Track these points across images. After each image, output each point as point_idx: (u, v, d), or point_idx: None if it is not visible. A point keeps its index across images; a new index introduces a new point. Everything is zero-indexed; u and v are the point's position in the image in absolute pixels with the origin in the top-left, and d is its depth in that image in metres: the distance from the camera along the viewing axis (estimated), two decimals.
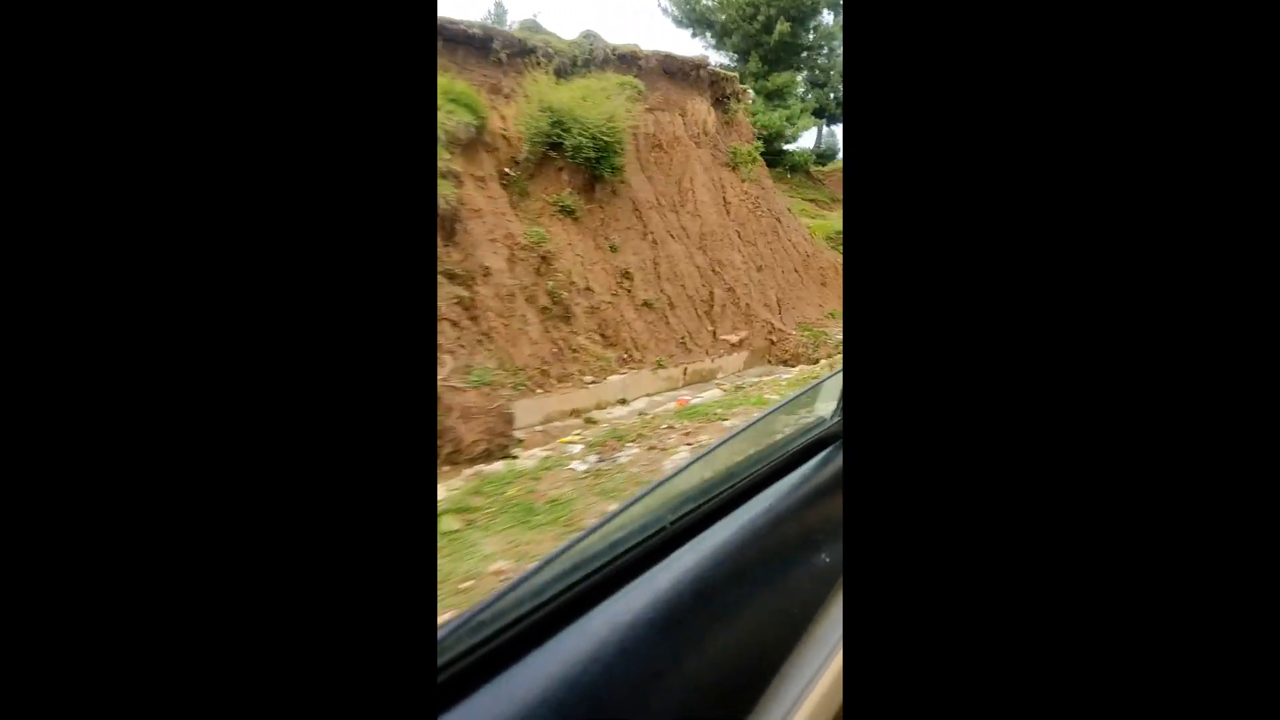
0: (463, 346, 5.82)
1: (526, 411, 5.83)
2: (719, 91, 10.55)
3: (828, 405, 1.17)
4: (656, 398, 7.01)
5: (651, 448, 4.76)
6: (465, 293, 6.22)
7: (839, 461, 1.08)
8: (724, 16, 19.46)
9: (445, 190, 6.23)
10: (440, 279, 5.98)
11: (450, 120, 6.67)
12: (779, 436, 1.13)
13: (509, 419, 5.15)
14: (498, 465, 4.48)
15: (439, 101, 6.50)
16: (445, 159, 6.44)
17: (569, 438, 5.29)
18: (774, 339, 8.86)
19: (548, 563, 0.71)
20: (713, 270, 8.99)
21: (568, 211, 7.79)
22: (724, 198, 9.82)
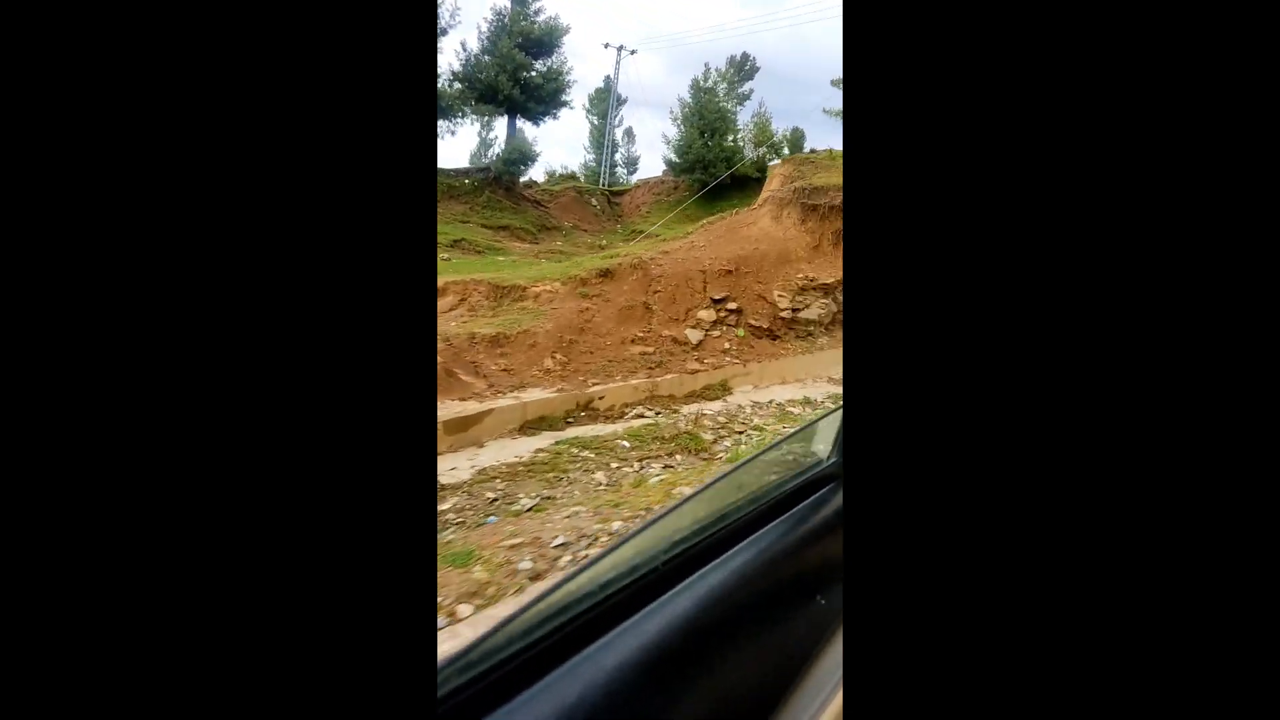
0: None
1: None
2: None
3: (823, 445, 1.16)
4: None
5: None
6: None
7: (835, 501, 1.07)
8: None
9: None
10: None
11: None
12: (773, 476, 1.11)
13: None
14: None
15: None
16: None
17: None
18: None
19: (536, 603, 0.69)
20: None
21: None
22: None
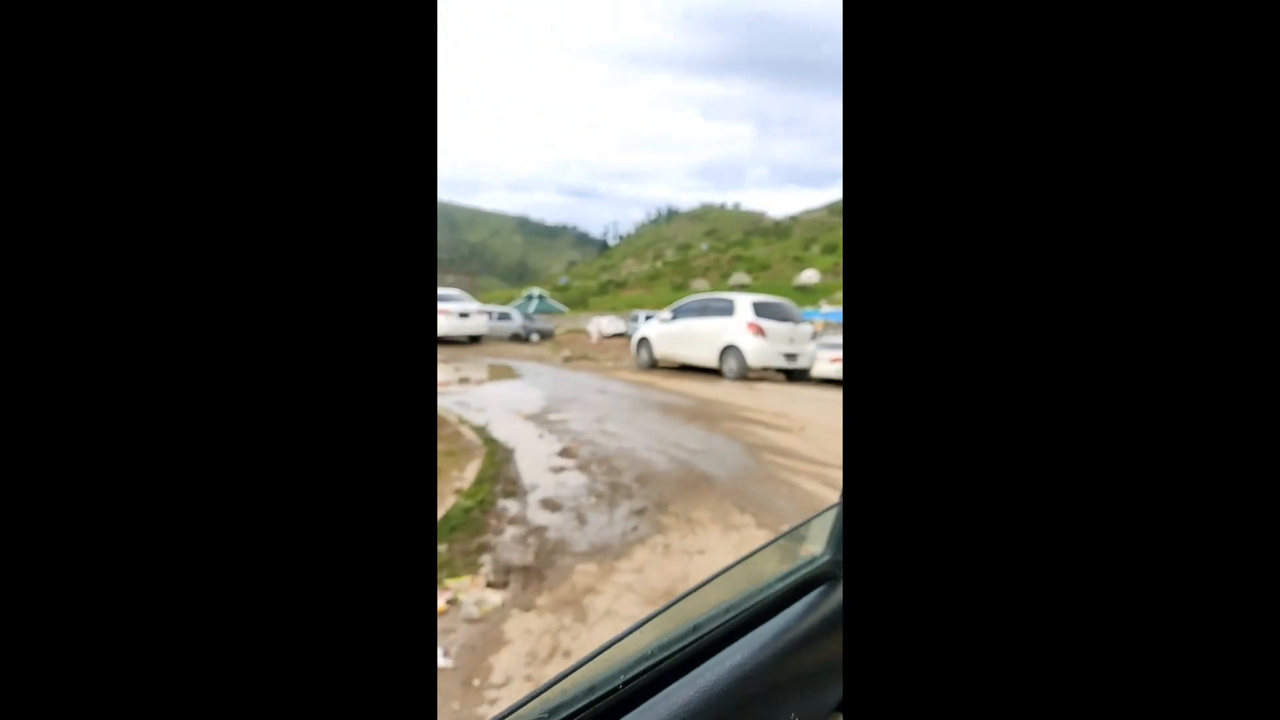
0: None
1: None
2: None
3: (818, 543, 1.11)
4: None
5: None
6: None
7: (831, 600, 1.01)
8: None
9: None
10: None
11: None
12: (768, 575, 1.06)
13: None
14: None
15: None
16: None
17: None
18: None
19: (532, 699, 0.67)
20: None
21: None
22: None
